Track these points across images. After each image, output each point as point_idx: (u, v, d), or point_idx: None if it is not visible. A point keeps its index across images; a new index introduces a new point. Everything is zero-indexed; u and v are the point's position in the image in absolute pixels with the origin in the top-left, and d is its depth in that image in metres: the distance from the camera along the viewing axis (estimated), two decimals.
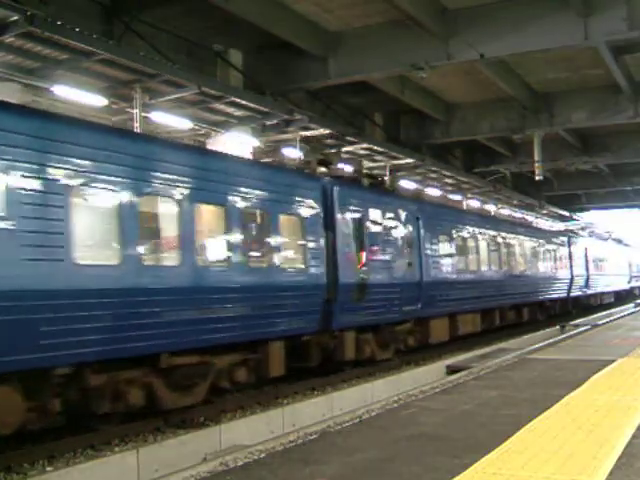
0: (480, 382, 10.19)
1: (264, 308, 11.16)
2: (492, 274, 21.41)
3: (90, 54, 11.42)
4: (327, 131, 17.71)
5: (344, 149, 19.86)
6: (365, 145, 19.76)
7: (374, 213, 14.68)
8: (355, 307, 13.63)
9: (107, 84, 12.88)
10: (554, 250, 28.35)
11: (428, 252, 16.93)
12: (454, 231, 19.00)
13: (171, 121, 14.69)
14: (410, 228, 16.17)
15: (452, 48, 17.52)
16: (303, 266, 12.32)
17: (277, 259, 11.65)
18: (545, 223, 38.68)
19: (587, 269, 32.56)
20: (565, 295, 29.38)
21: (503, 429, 6.83)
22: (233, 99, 14.61)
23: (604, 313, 30.25)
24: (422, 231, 16.69)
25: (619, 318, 24.41)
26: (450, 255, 18.56)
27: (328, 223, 13.05)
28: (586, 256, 32.64)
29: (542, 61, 21.33)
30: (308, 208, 12.55)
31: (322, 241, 12.78)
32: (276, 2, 16.40)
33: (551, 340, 16.63)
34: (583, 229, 39.87)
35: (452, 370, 14.76)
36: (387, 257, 14.97)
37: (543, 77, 23.65)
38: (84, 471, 7.79)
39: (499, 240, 22.35)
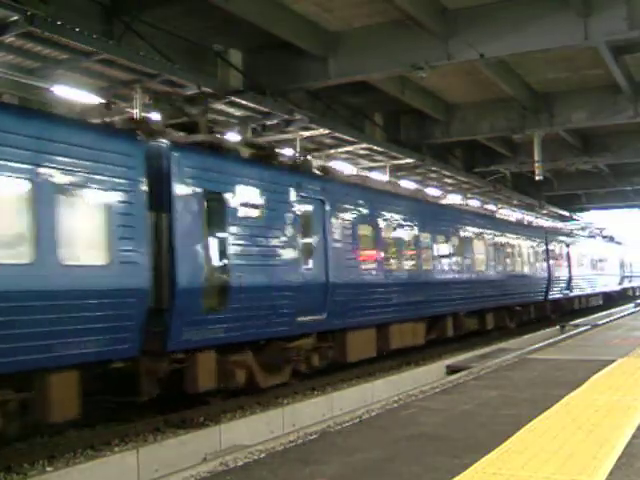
0: (480, 382, 10.20)
1: (20, 326, 7.48)
2: (438, 273, 17.87)
3: (90, 54, 11.42)
4: (327, 131, 17.72)
5: (343, 149, 19.87)
6: (365, 145, 19.78)
7: (247, 192, 11.08)
8: (210, 319, 10.13)
9: (107, 84, 12.88)
10: (527, 247, 25.55)
11: (338, 245, 13.27)
12: (382, 219, 15.18)
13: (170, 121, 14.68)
14: (310, 214, 12.61)
15: (452, 48, 17.51)
16: (103, 262, 8.59)
17: (47, 252, 7.83)
18: (519, 217, 36.98)
19: (569, 269, 30.13)
20: (542, 298, 26.60)
21: (503, 429, 6.84)
22: (233, 99, 14.61)
23: (604, 313, 30.17)
24: (329, 218, 13.11)
25: (619, 318, 24.44)
26: (374, 250, 14.82)
27: (163, 202, 9.52)
28: (568, 255, 30.41)
29: (542, 61, 21.32)
30: (116, 179, 8.81)
31: (144, 227, 9.14)
32: (276, 2, 16.40)
33: (551, 340, 16.68)
34: (583, 229, 39.58)
35: (452, 370, 14.78)
36: (267, 251, 11.41)
37: (543, 77, 23.65)
38: (84, 471, 7.80)
39: (449, 233, 18.90)
